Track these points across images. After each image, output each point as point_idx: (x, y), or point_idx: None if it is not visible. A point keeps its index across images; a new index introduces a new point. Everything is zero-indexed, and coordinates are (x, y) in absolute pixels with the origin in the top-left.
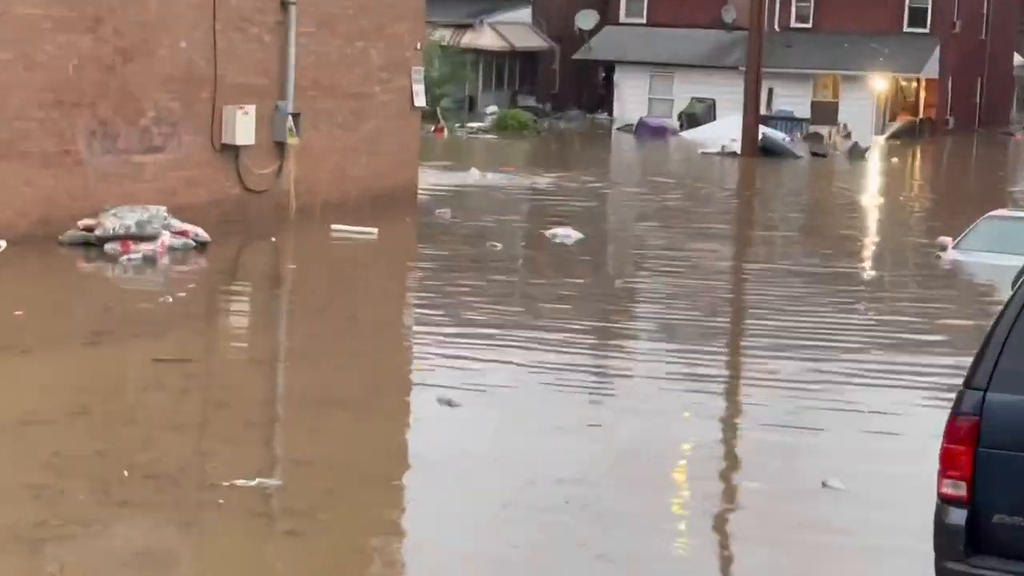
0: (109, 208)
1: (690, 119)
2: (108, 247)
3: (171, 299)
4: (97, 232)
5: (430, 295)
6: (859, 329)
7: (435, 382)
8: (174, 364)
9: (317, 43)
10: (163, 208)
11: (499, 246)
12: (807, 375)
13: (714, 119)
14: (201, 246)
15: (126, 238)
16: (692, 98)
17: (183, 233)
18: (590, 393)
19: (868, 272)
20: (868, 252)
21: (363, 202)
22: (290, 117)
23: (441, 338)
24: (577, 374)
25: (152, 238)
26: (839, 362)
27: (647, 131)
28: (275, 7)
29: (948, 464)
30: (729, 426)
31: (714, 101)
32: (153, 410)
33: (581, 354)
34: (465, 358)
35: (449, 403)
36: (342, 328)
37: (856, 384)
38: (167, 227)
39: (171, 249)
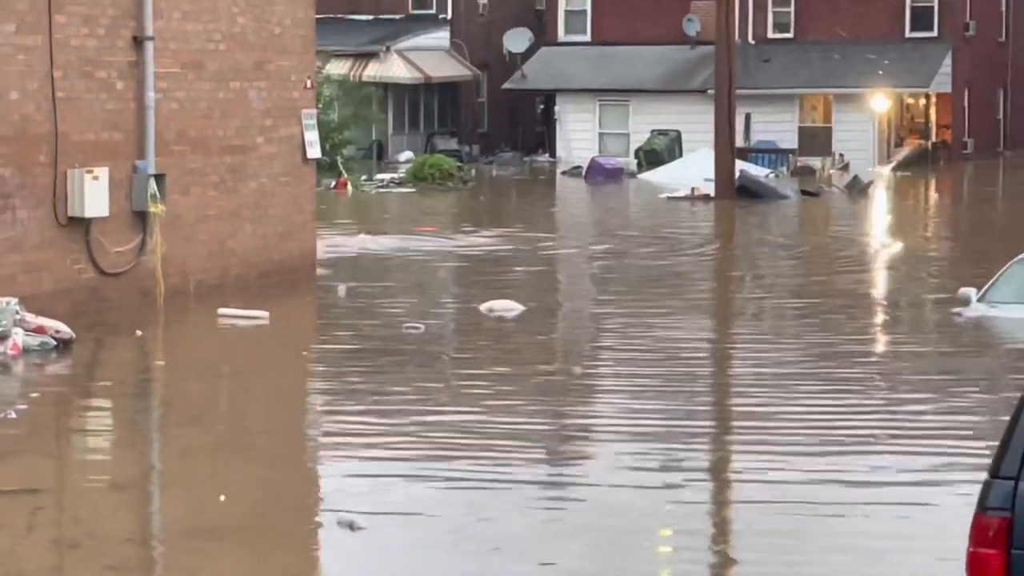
0: None
1: (650, 156)
2: None
3: (13, 414)
4: None
5: (331, 394)
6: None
7: (338, 502)
8: (17, 496)
9: (182, 87)
10: (14, 300)
11: (420, 327)
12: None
13: (680, 155)
14: (64, 344)
15: None
16: (652, 131)
17: (40, 330)
18: (530, 511)
19: (876, 345)
20: (875, 318)
21: (248, 280)
22: (152, 180)
23: (345, 447)
24: (512, 491)
25: (1, 338)
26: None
27: (601, 173)
28: (127, 45)
29: (978, 574)
30: (710, 547)
31: (679, 133)
32: None
33: (519, 464)
34: (376, 471)
35: (351, 526)
36: (223, 440)
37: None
38: (20, 323)
39: (26, 350)
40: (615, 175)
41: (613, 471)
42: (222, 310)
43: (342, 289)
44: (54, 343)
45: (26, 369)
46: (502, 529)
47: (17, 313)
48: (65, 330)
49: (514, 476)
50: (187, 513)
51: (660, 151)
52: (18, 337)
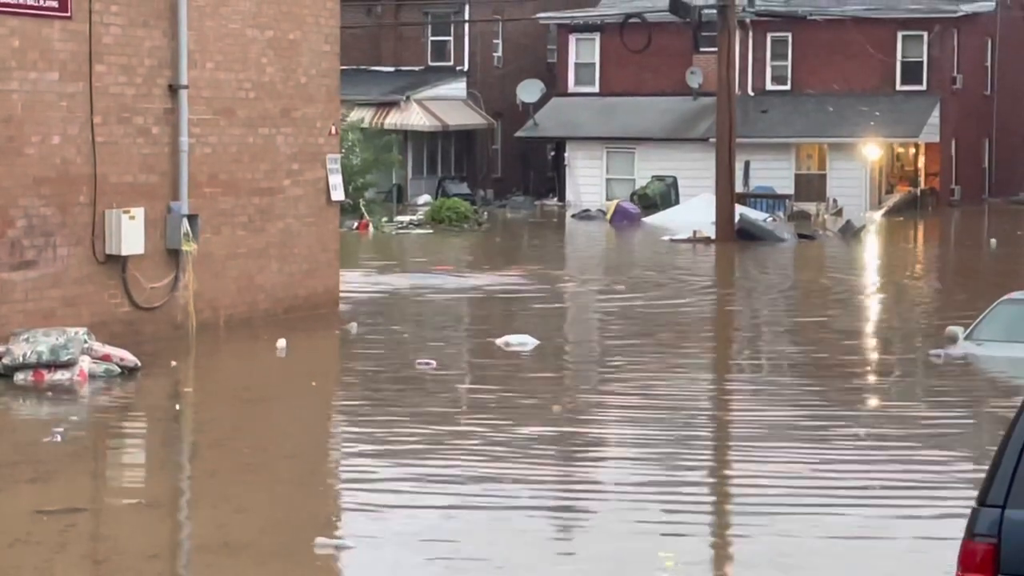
0: (20, 333)
1: (643, 201)
2: (19, 377)
3: (59, 438)
4: (5, 361)
5: (347, 422)
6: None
7: (347, 522)
8: (55, 515)
9: (214, 132)
10: (83, 330)
11: (432, 363)
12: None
13: (676, 198)
14: (128, 372)
15: (39, 367)
16: (652, 176)
17: (106, 358)
18: (533, 538)
19: (864, 385)
20: (866, 365)
21: (275, 315)
22: (185, 220)
23: (357, 470)
24: (517, 519)
25: (69, 365)
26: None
27: (625, 218)
28: (162, 93)
29: None
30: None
31: (675, 179)
32: (23, 570)
33: (525, 494)
34: (386, 496)
35: (336, 547)
36: (247, 463)
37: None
38: (88, 351)
39: (92, 377)
40: (635, 219)
41: (617, 505)
42: (280, 342)
43: (354, 327)
44: (118, 370)
45: (92, 394)
46: (505, 553)
47: (85, 342)
48: (130, 358)
49: (520, 504)
50: (210, 530)
51: (652, 196)
52: (84, 364)
